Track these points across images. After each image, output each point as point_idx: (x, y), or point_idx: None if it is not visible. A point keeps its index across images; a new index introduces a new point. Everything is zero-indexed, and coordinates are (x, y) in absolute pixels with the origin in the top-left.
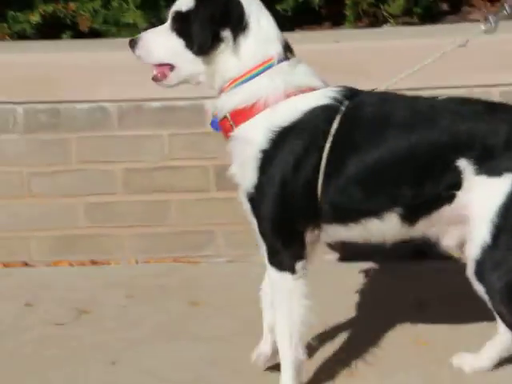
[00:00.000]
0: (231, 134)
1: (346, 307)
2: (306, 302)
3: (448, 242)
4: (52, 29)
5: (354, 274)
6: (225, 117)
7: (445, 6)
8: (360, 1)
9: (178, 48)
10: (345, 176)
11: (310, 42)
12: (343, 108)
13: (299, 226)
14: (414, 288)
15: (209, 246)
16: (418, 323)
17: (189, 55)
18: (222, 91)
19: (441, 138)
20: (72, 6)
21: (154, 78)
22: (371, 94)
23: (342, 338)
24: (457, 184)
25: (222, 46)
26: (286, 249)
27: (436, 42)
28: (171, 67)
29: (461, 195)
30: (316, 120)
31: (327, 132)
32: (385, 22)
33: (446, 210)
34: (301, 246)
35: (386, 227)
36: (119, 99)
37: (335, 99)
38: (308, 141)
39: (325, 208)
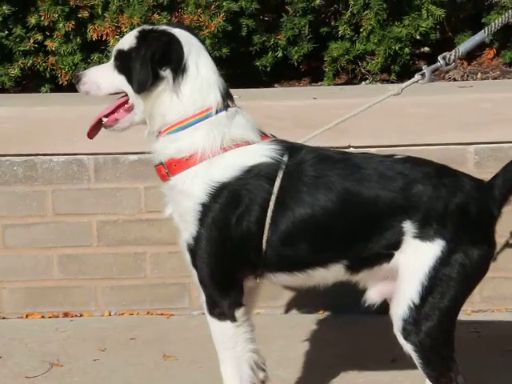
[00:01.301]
0: (167, 181)
1: (318, 360)
2: (252, 346)
3: (373, 296)
4: (31, 82)
5: (326, 327)
6: (160, 163)
7: (422, 64)
8: (338, 57)
9: (121, 84)
10: (292, 231)
11: (288, 97)
12: (283, 165)
13: (238, 276)
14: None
15: (182, 299)
16: (391, 377)
17: (131, 91)
18: (159, 134)
19: (395, 199)
20: (52, 59)
21: (105, 125)
22: (309, 150)
23: None
24: (397, 244)
25: (161, 86)
26: (224, 298)
27: (413, 100)
28: (128, 108)
29: (397, 255)
30: (257, 178)
31: (270, 190)
32: (363, 79)
33: (383, 267)
34: (239, 293)
35: (331, 275)
36: (96, 152)
37: (275, 156)
38: (250, 197)
39: (269, 260)
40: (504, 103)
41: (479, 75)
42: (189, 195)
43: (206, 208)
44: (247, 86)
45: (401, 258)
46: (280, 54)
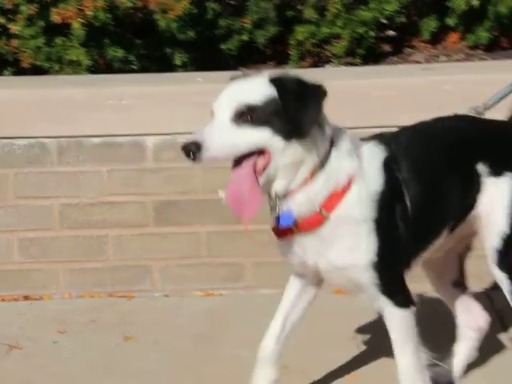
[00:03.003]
0: (320, 225)
1: None
2: None
3: None
4: None
5: None
6: (314, 211)
7: (387, 48)
8: (304, 41)
9: (265, 138)
10: (423, 210)
11: None
12: (394, 155)
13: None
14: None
15: (144, 281)
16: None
17: (279, 141)
18: (306, 181)
19: (469, 146)
20: (14, 42)
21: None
22: (394, 135)
23: None
24: (479, 187)
25: (315, 131)
26: (405, 286)
27: (378, 82)
28: (264, 165)
29: (478, 198)
30: (392, 175)
31: (400, 180)
32: (328, 62)
33: (471, 216)
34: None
35: (440, 242)
36: (59, 135)
37: (383, 148)
38: (395, 191)
39: (417, 241)
40: (466, 85)
41: (443, 58)
42: (361, 220)
43: (378, 223)
44: (213, 70)
45: (483, 199)
46: (246, 38)
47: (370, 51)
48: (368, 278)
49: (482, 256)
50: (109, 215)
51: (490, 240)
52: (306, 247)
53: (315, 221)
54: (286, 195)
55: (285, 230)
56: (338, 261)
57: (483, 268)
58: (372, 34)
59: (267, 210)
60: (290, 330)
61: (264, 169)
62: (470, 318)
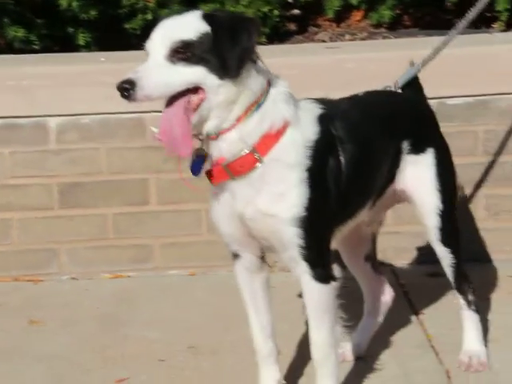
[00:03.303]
0: (252, 169)
1: (187, 320)
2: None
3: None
4: None
5: (195, 287)
6: (247, 152)
7: (292, 26)
8: None
9: (200, 76)
10: (356, 174)
11: None
12: (330, 115)
13: (333, 233)
14: None
15: (52, 264)
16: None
17: (214, 80)
18: (237, 121)
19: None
20: None
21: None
22: (332, 100)
23: None
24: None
25: (249, 65)
26: (327, 259)
27: (283, 61)
28: (196, 105)
29: (398, 173)
30: (327, 127)
31: (335, 136)
32: None
33: (389, 191)
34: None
35: (364, 214)
36: None
37: (321, 106)
38: (331, 149)
39: (347, 209)
40: (368, 63)
41: (347, 37)
42: (293, 165)
43: (310, 172)
44: (117, 49)
45: (405, 176)
46: (150, 17)
47: (275, 30)
48: (291, 234)
49: (387, 232)
50: (13, 198)
51: (428, 219)
52: (236, 193)
53: (248, 163)
54: (218, 135)
55: (218, 174)
56: (264, 208)
57: (389, 243)
58: (276, 12)
59: (179, 190)
60: (269, 321)
61: (198, 107)
62: (377, 293)
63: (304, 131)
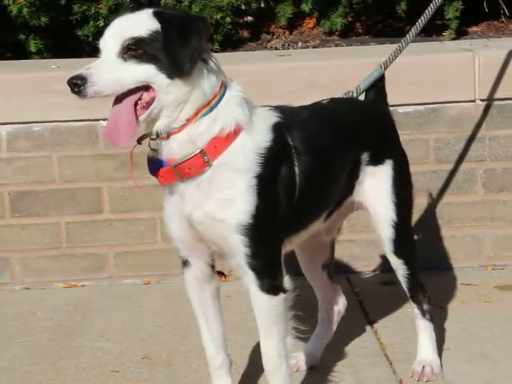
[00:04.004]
0: (201, 172)
1: (140, 330)
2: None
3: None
4: None
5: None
6: (196, 154)
7: (245, 34)
8: None
9: (149, 74)
10: (310, 185)
11: None
12: (287, 124)
13: (283, 244)
14: None
15: (4, 274)
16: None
17: (163, 79)
18: (186, 123)
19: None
20: None
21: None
22: (292, 109)
23: None
24: (358, 175)
25: (200, 66)
26: (276, 270)
27: (236, 69)
28: (146, 103)
29: (357, 185)
30: (282, 138)
31: (291, 146)
32: None
33: (347, 202)
34: (281, 262)
35: (318, 226)
36: None
37: (277, 115)
38: (284, 158)
39: (299, 220)
40: (319, 71)
41: (300, 44)
42: (244, 170)
43: (259, 179)
44: (69, 56)
45: (363, 187)
46: (102, 24)
47: (227, 37)
48: (237, 241)
49: (341, 240)
50: None
51: (382, 230)
52: (184, 196)
53: (196, 165)
54: (168, 135)
55: (167, 174)
56: (212, 212)
57: (343, 252)
58: (229, 19)
59: (133, 198)
60: (221, 332)
61: (148, 105)
62: (331, 302)
63: (256, 138)
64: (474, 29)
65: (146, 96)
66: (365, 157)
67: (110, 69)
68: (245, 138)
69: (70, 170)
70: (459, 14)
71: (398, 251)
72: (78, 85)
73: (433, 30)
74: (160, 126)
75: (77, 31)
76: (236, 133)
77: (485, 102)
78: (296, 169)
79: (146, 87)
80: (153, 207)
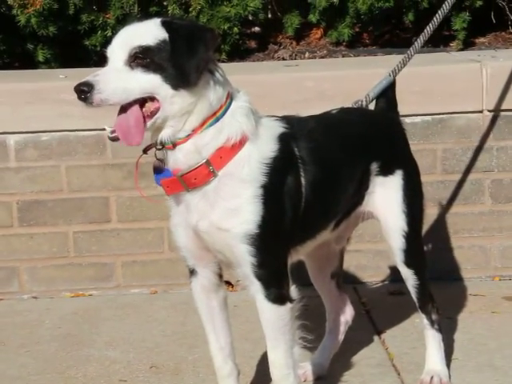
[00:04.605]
0: (207, 182)
1: (147, 339)
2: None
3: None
4: None
5: (157, 306)
6: (204, 162)
7: (252, 44)
8: None
9: (154, 84)
10: (318, 195)
11: None
12: (294, 134)
13: (289, 253)
14: None
15: (12, 283)
16: None
17: (168, 90)
18: (192, 133)
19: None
20: None
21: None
22: (300, 119)
23: None
24: (368, 185)
25: (206, 77)
26: (283, 280)
27: (243, 79)
28: (151, 112)
29: (367, 196)
30: (288, 148)
31: (297, 156)
32: None
33: (357, 212)
34: (287, 272)
35: (326, 235)
36: None
37: (284, 125)
38: (290, 168)
39: (306, 229)
40: (326, 81)
41: (307, 54)
42: (249, 181)
43: (265, 189)
44: (77, 66)
45: (373, 198)
46: (109, 33)
47: (235, 47)
48: (243, 251)
49: (349, 250)
50: None
51: (392, 240)
52: (190, 205)
53: (202, 175)
54: (174, 145)
55: (172, 184)
56: (218, 222)
57: (351, 262)
58: (236, 30)
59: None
60: (228, 341)
61: (152, 114)
62: (339, 312)
63: (262, 148)
64: (482, 40)
65: (150, 105)
66: (374, 167)
67: (118, 77)
68: (250, 148)
69: (78, 179)
70: (467, 24)
71: (409, 261)
72: (84, 91)
73: (440, 41)
74: (165, 135)
75: (85, 41)
76: (241, 143)
77: (492, 113)
78: (302, 179)
79: (151, 99)
80: (160, 217)
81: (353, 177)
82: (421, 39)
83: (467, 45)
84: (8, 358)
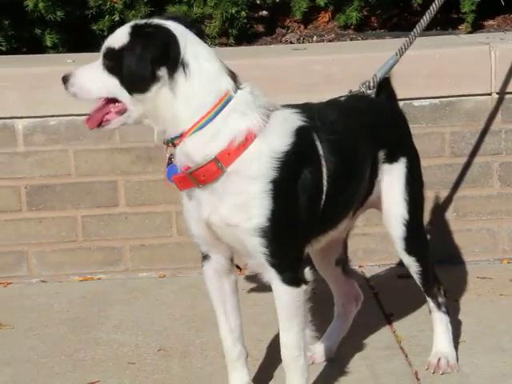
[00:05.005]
0: (216, 179)
1: (155, 322)
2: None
3: None
4: None
5: (165, 289)
6: (212, 159)
7: (260, 28)
8: None
9: (113, 87)
10: (340, 187)
11: None
12: (313, 127)
13: (307, 242)
14: None
15: (21, 267)
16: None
17: (125, 93)
18: (181, 137)
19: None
20: None
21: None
22: (314, 109)
23: None
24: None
25: (158, 86)
26: (297, 264)
27: (251, 63)
28: (119, 111)
29: (376, 183)
30: (305, 141)
31: (317, 151)
32: None
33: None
34: (303, 257)
35: (346, 224)
36: None
37: (304, 118)
38: (306, 160)
39: (327, 219)
40: (334, 65)
41: (315, 38)
42: (257, 177)
43: (275, 184)
44: (84, 51)
45: (380, 185)
46: (117, 18)
47: (242, 31)
48: (255, 243)
49: (356, 234)
50: None
51: (394, 228)
52: (201, 200)
53: (210, 172)
54: (174, 144)
55: (183, 180)
56: (226, 217)
57: (358, 245)
58: (244, 14)
59: (149, 191)
60: (238, 324)
61: (120, 113)
62: (347, 296)
63: (273, 142)
64: (490, 22)
65: (119, 105)
66: (382, 154)
67: (89, 74)
68: (259, 143)
69: (86, 163)
70: (475, 7)
71: (410, 249)
72: (63, 81)
73: (449, 24)
74: (159, 136)
75: (92, 25)
76: (249, 140)
77: (501, 96)
78: (324, 171)
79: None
80: (168, 201)
81: (367, 165)
82: (427, 16)
83: (476, 27)
84: (17, 341)
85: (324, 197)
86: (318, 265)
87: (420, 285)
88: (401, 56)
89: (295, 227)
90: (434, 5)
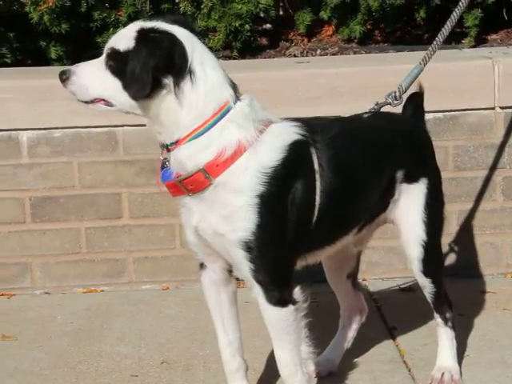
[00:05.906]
0: (204, 188)
1: (158, 335)
2: (305, 322)
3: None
4: None
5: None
6: (198, 170)
7: (264, 41)
8: None
9: (115, 88)
10: (335, 204)
11: None
12: (311, 142)
13: (295, 259)
14: None
15: (24, 279)
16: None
17: (126, 97)
18: (176, 144)
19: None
20: None
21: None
22: (319, 123)
23: None
24: (393, 192)
25: (163, 93)
26: (284, 283)
27: (254, 76)
28: (106, 102)
29: (392, 202)
30: (299, 156)
31: (312, 167)
32: None
33: (380, 218)
34: (292, 275)
35: (347, 240)
36: None
37: (302, 133)
38: (298, 176)
39: (320, 235)
40: (337, 78)
41: (318, 51)
42: (242, 190)
43: (262, 198)
44: None
45: (397, 204)
46: None
47: (246, 44)
48: (240, 256)
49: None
50: None
51: (410, 249)
52: (192, 208)
53: (198, 182)
54: (168, 150)
55: (174, 187)
56: (216, 226)
57: (362, 258)
58: (247, 27)
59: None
60: (237, 336)
61: (107, 105)
62: (354, 309)
63: (262, 157)
64: (494, 36)
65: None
66: (400, 174)
67: (91, 73)
68: (248, 157)
69: (90, 175)
70: (478, 21)
71: (427, 271)
72: (61, 78)
73: (452, 38)
74: (160, 139)
75: (97, 38)
76: (238, 153)
77: (504, 110)
78: (317, 187)
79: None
80: (172, 213)
81: (378, 184)
82: (448, 25)
83: (479, 42)
84: (20, 353)
85: (317, 212)
86: (330, 277)
87: (431, 303)
88: (425, 65)
89: (282, 243)
90: (455, 13)
